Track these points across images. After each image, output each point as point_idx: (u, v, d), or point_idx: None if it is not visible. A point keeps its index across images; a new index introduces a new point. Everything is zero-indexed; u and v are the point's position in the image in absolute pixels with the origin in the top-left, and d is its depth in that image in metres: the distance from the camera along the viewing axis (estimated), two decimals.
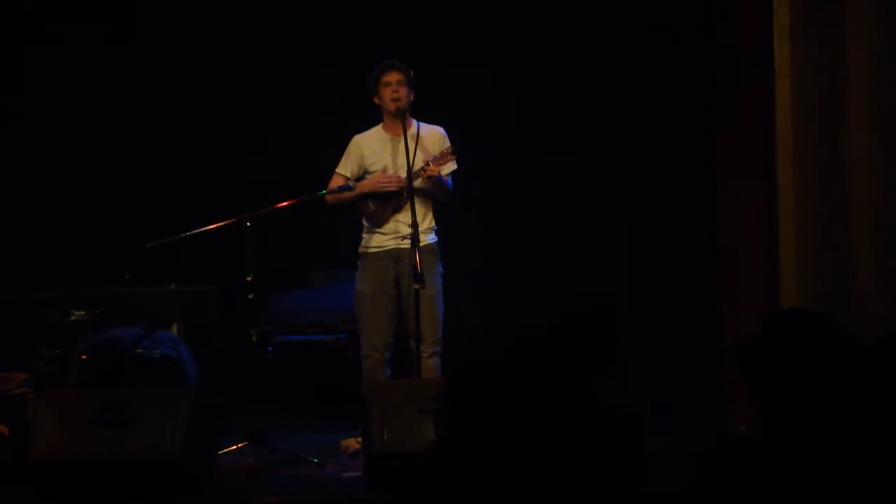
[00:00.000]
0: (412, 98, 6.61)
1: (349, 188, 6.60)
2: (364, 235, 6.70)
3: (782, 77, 6.48)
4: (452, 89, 7.74)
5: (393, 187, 6.52)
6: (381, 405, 5.62)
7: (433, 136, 6.66)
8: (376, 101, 6.64)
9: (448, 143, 6.62)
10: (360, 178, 6.68)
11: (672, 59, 7.95)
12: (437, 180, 6.49)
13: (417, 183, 6.44)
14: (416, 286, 6.24)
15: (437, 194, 6.61)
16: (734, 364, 2.81)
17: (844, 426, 2.60)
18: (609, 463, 2.94)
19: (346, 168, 6.71)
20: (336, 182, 6.70)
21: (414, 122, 6.62)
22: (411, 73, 6.59)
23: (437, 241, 6.66)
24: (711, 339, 7.44)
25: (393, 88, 6.55)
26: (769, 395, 2.70)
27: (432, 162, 6.46)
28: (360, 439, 6.28)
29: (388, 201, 6.57)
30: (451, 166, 6.58)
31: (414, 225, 6.31)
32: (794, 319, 2.78)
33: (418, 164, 6.44)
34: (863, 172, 6.18)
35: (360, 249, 6.70)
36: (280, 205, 6.54)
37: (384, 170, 6.60)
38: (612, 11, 8.06)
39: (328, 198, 6.67)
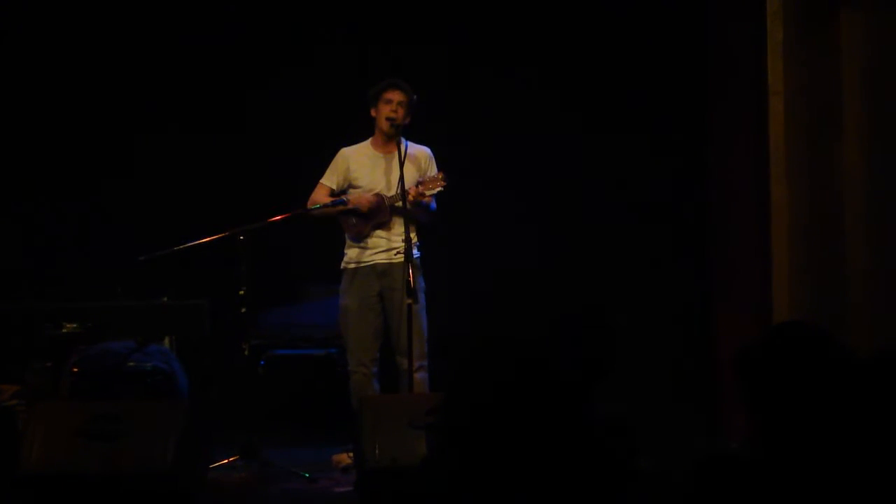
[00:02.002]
0: (408, 121, 6.61)
1: (342, 202, 6.60)
2: (347, 251, 6.70)
3: (776, 94, 6.50)
4: (440, 93, 7.73)
5: (363, 208, 6.51)
6: (372, 420, 5.61)
7: (420, 157, 6.66)
8: (373, 113, 6.65)
9: (435, 167, 6.64)
10: (343, 191, 6.68)
11: (666, 74, 7.97)
12: (419, 204, 6.49)
13: (401, 204, 6.43)
14: (409, 301, 6.24)
15: (420, 216, 6.61)
16: (731, 373, 2.80)
17: (840, 441, 2.60)
18: (601, 478, 2.94)
19: (331, 180, 6.71)
20: (320, 192, 6.69)
21: (403, 140, 6.61)
22: (414, 96, 6.59)
23: (420, 256, 6.66)
24: (704, 353, 7.45)
25: (392, 108, 6.55)
26: (764, 405, 2.70)
27: (420, 185, 6.47)
28: (351, 454, 6.27)
29: (371, 217, 6.57)
30: (437, 189, 6.58)
31: (407, 240, 6.31)
32: (794, 332, 2.78)
33: (408, 182, 6.44)
34: (855, 187, 6.20)
35: (343, 265, 6.70)
36: (273, 219, 6.54)
37: (371, 190, 6.58)
38: (605, 25, 8.09)
39: (315, 212, 6.65)
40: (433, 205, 6.62)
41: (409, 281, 6.21)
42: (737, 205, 7.06)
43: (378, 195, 6.55)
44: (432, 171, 6.61)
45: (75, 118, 8.13)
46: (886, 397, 2.63)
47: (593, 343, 3.35)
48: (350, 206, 6.57)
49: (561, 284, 7.83)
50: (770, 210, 6.56)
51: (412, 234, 6.55)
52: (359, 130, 6.80)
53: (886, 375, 2.65)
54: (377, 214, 6.55)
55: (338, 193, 6.68)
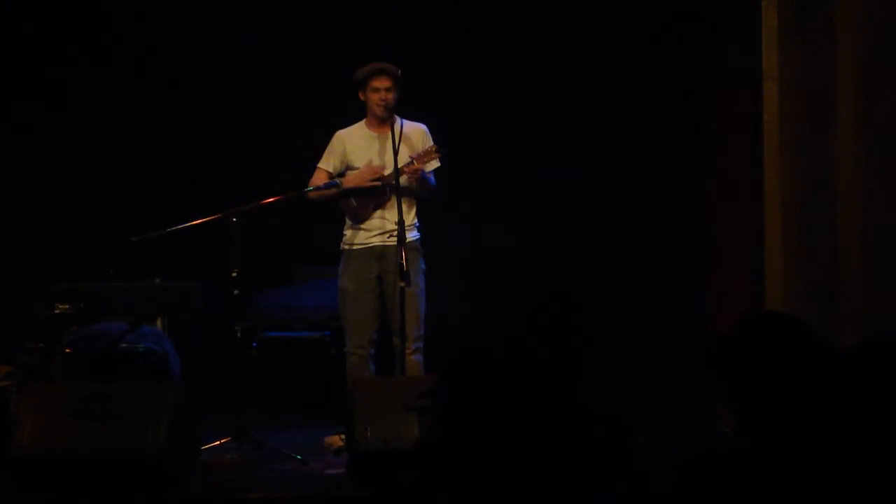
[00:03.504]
0: (397, 97, 6.61)
1: (335, 185, 6.60)
2: (346, 232, 6.70)
3: (770, 80, 6.51)
4: (431, 82, 7.71)
5: (370, 177, 6.51)
6: (364, 402, 5.62)
7: (416, 134, 6.67)
8: (361, 97, 6.64)
9: (431, 141, 6.63)
10: (342, 174, 6.68)
11: (660, 61, 7.95)
12: (420, 177, 6.49)
13: (402, 179, 6.44)
14: (402, 284, 6.24)
15: (421, 191, 6.62)
16: (707, 364, 2.81)
17: (816, 431, 2.61)
18: (596, 463, 2.94)
19: (328, 164, 6.71)
20: (319, 177, 6.70)
21: (398, 118, 6.62)
22: (399, 73, 6.58)
23: (420, 238, 6.66)
24: (698, 340, 7.45)
25: (381, 95, 6.55)
26: (740, 397, 2.71)
27: (416, 159, 6.47)
28: (343, 436, 6.27)
29: (371, 197, 6.58)
30: (434, 164, 6.60)
31: (400, 222, 6.31)
32: (767, 323, 2.79)
33: (403, 161, 6.45)
34: (849, 175, 6.20)
35: (343, 246, 6.70)
36: (266, 201, 6.53)
37: (369, 163, 6.60)
38: (599, 14, 8.07)
39: (311, 194, 6.66)
40: (432, 179, 6.62)
41: (402, 264, 6.21)
42: (730, 191, 7.06)
43: (374, 165, 6.55)
44: (428, 146, 6.61)
45: (69, 98, 8.11)
46: (866, 386, 2.63)
47: (570, 328, 3.34)
48: (348, 187, 6.57)
49: (554, 270, 7.82)
50: (763, 198, 6.56)
51: (412, 216, 6.58)
52: (354, 111, 6.79)
53: (867, 364, 2.66)
54: (377, 193, 6.55)
55: (336, 177, 6.67)
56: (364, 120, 6.74)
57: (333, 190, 6.61)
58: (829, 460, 2.57)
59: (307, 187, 6.65)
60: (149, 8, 8.14)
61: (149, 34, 8.13)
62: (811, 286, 6.40)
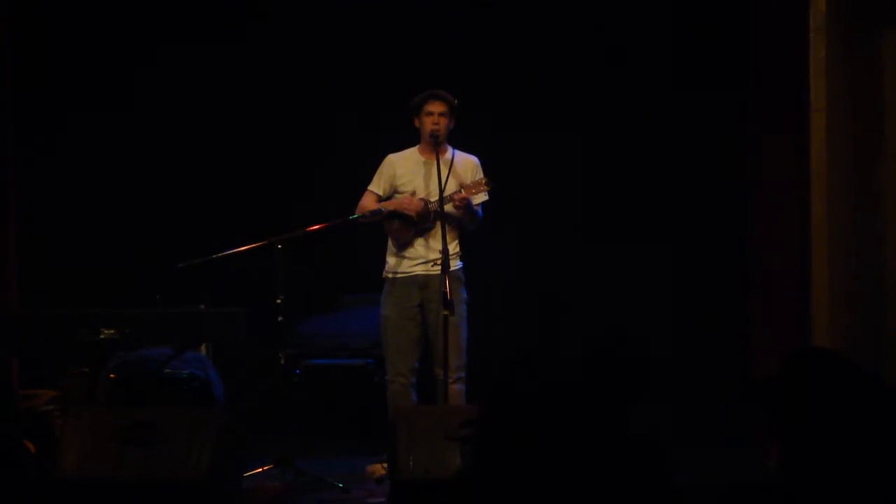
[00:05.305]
0: (452, 126, 6.63)
1: (379, 213, 6.61)
2: (389, 260, 6.70)
3: (818, 111, 6.47)
4: (483, 109, 7.70)
5: (411, 212, 6.52)
6: (407, 431, 5.59)
7: (467, 165, 6.67)
8: (416, 124, 6.66)
9: (481, 174, 6.63)
10: (389, 197, 6.70)
11: (708, 92, 7.90)
12: (466, 207, 6.49)
13: (448, 208, 6.44)
14: (446, 312, 6.23)
15: (465, 222, 6.61)
16: (753, 402, 2.79)
17: (864, 468, 2.58)
18: (637, 496, 2.92)
19: (378, 186, 6.73)
20: (368, 199, 6.72)
21: (449, 148, 6.64)
22: (455, 102, 6.60)
23: (463, 268, 6.66)
24: (741, 372, 7.40)
25: (434, 120, 6.57)
26: (787, 434, 2.68)
27: (464, 189, 6.47)
28: (385, 465, 6.26)
29: (416, 222, 6.58)
30: (482, 197, 6.60)
31: (444, 251, 6.30)
32: (813, 359, 2.76)
33: (450, 190, 6.45)
34: None
35: (386, 274, 6.71)
36: (311, 228, 6.56)
37: (414, 193, 6.61)
38: (648, 41, 8.05)
39: (353, 220, 6.68)
40: (479, 212, 6.63)
41: (446, 293, 6.20)
42: (778, 224, 7.01)
43: (423, 200, 6.55)
44: (478, 178, 6.61)
45: (115, 123, 8.16)
46: None
47: (628, 364, 3.33)
48: (391, 210, 6.58)
49: (598, 302, 7.79)
50: (810, 228, 6.52)
51: (455, 245, 6.58)
52: (400, 139, 6.80)
53: None
54: (423, 220, 6.55)
55: (385, 199, 6.69)
56: (417, 146, 6.76)
57: (377, 217, 6.63)
58: (877, 496, 2.54)
59: (357, 209, 6.68)
60: (194, 34, 8.18)
61: (192, 59, 8.17)
62: (858, 317, 6.34)
